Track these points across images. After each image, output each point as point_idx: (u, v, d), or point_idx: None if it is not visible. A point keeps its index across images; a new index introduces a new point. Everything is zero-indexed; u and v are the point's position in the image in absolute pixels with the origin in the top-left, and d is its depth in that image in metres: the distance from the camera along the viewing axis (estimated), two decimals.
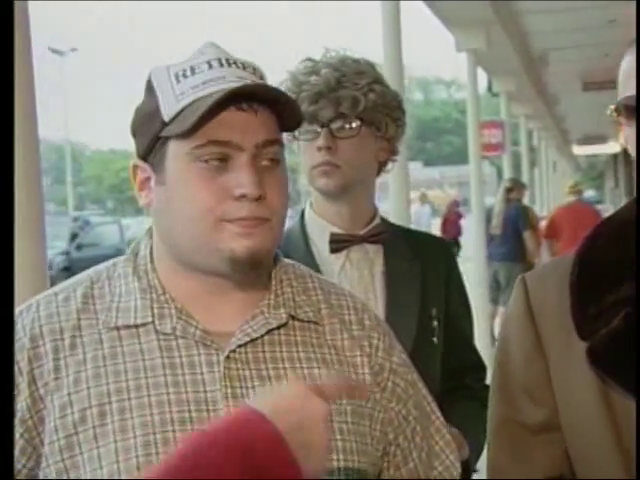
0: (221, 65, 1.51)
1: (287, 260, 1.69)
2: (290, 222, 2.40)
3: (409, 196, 6.46)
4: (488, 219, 11.27)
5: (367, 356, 1.62)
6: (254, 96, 1.48)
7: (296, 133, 2.29)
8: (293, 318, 1.58)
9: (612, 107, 1.60)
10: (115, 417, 1.46)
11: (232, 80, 1.49)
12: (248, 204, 1.47)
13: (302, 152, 2.36)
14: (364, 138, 2.34)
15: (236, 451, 1.18)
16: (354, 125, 2.32)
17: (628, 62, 1.57)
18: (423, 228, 13.11)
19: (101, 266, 1.63)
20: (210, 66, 1.51)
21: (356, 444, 1.55)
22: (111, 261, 1.63)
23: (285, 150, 1.59)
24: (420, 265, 2.41)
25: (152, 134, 1.53)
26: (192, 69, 1.51)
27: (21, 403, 1.49)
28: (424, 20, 13.78)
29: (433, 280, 2.43)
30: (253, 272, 1.52)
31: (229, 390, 1.49)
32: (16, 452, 1.48)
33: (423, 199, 22.70)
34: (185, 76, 1.51)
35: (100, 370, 1.49)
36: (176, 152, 1.51)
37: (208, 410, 1.47)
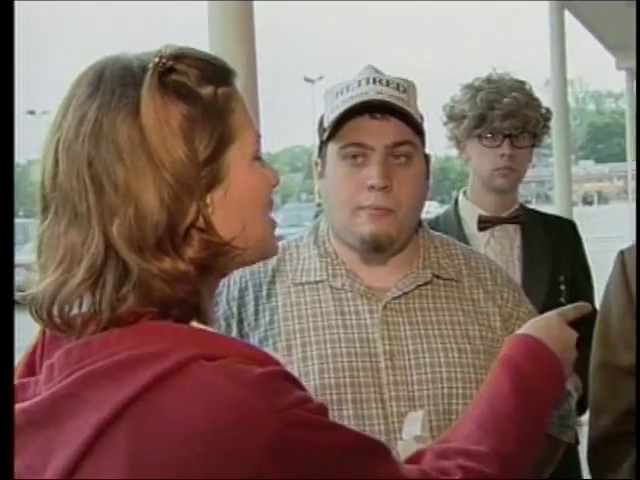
0: (367, 83, 1.52)
1: (436, 232, 1.69)
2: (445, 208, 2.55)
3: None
4: None
5: (498, 307, 1.59)
6: (385, 107, 1.48)
7: (484, 141, 2.36)
8: (438, 277, 1.57)
9: None
10: (299, 350, 1.50)
11: (371, 95, 1.49)
12: (375, 194, 1.48)
13: (480, 155, 2.38)
14: (530, 148, 2.43)
15: (541, 372, 1.20)
16: (529, 138, 2.39)
17: None
18: None
19: (292, 237, 1.67)
20: (359, 84, 1.52)
21: (481, 376, 1.50)
22: (299, 234, 1.67)
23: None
24: (551, 241, 2.42)
25: (320, 138, 1.57)
26: (347, 87, 1.53)
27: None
28: None
29: (561, 253, 2.42)
30: (380, 252, 1.52)
31: (385, 332, 1.50)
32: None
33: None
34: (342, 93, 1.53)
35: (288, 314, 1.53)
36: (330, 152, 1.54)
37: (369, 347, 1.49)
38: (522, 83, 2.40)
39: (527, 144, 2.38)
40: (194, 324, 0.98)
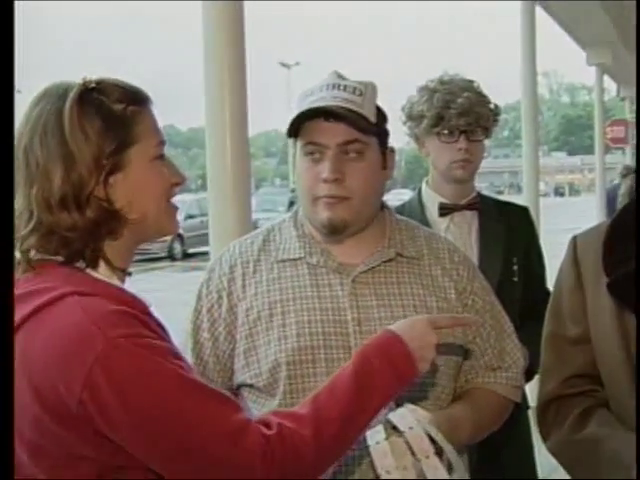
0: (327, 89, 1.74)
1: (402, 217, 1.93)
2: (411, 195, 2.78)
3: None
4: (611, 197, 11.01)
5: (454, 282, 1.82)
6: (334, 112, 1.70)
7: (442, 138, 2.57)
8: (401, 255, 1.80)
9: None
10: (279, 317, 1.73)
11: (327, 100, 1.71)
12: (329, 185, 1.71)
13: (438, 150, 2.60)
14: (483, 141, 2.65)
15: (386, 361, 1.46)
16: (482, 132, 2.62)
17: None
18: None
19: (277, 220, 1.91)
20: (320, 89, 1.75)
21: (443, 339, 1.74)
22: (283, 217, 1.91)
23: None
24: (506, 225, 2.63)
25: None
26: (312, 92, 1.76)
27: (223, 307, 1.78)
28: None
29: (515, 237, 2.63)
30: (337, 235, 1.75)
31: (354, 302, 1.73)
32: (221, 340, 1.77)
33: None
34: (307, 96, 1.76)
35: (270, 287, 1.77)
36: (298, 148, 1.78)
37: (340, 315, 1.72)
38: (471, 82, 2.62)
39: (481, 138, 2.61)
40: (96, 274, 1.36)
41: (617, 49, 10.72)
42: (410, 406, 1.59)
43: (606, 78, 13.11)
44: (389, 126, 1.83)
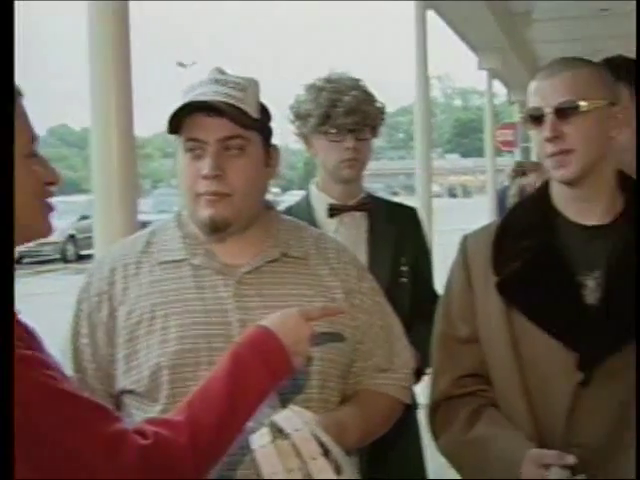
0: (208, 83, 1.70)
1: (289, 217, 1.90)
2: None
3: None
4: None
5: (341, 281, 1.80)
6: (214, 106, 1.66)
7: (329, 137, 2.54)
8: (287, 255, 1.77)
9: (521, 116, 1.78)
10: (160, 320, 1.68)
11: (208, 95, 1.67)
12: (210, 181, 1.67)
13: (326, 149, 2.57)
14: (370, 140, 2.63)
15: (260, 358, 1.45)
16: (369, 131, 2.60)
17: (534, 83, 1.73)
18: None
19: (161, 221, 1.85)
20: (201, 84, 1.71)
21: (329, 341, 1.72)
22: (168, 217, 1.85)
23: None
24: (394, 226, 2.63)
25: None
26: (193, 87, 1.72)
27: (103, 312, 1.72)
28: None
29: (404, 237, 2.64)
30: (219, 233, 1.71)
31: (238, 303, 1.69)
32: (101, 345, 1.70)
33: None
34: (188, 91, 1.71)
35: (152, 289, 1.71)
36: (180, 144, 1.72)
37: (224, 317, 1.68)
38: (358, 81, 2.61)
39: (368, 136, 2.58)
40: None
41: (507, 55, 10.98)
42: (296, 408, 1.56)
43: (497, 83, 13.45)
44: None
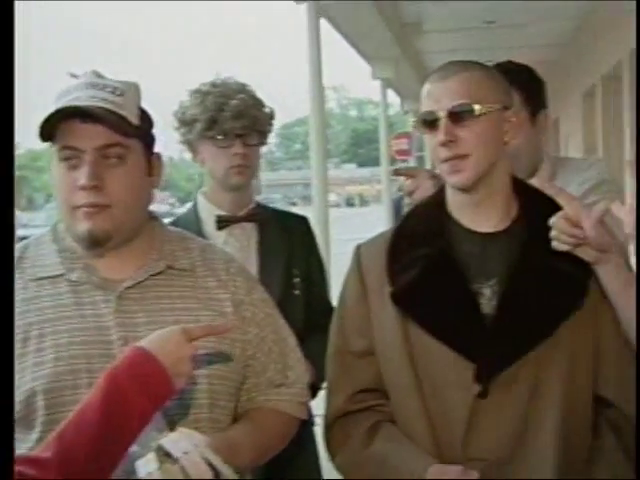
0: (84, 88, 1.59)
1: (174, 228, 1.80)
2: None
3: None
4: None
5: (230, 293, 1.71)
6: (90, 111, 1.55)
7: (217, 143, 2.44)
8: (172, 268, 1.67)
9: (414, 120, 1.72)
10: (35, 340, 1.56)
11: (83, 100, 1.56)
12: (87, 192, 1.56)
13: (214, 156, 2.46)
14: (259, 146, 2.53)
15: (137, 382, 1.36)
16: (258, 136, 2.50)
17: (427, 85, 1.68)
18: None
19: (37, 234, 1.73)
20: (77, 88, 1.60)
21: (217, 358, 1.64)
22: (44, 230, 1.72)
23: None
24: (286, 237, 2.54)
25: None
26: (68, 91, 1.60)
27: None
28: None
29: (296, 248, 2.55)
30: (99, 247, 1.60)
31: (119, 320, 1.59)
32: None
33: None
34: (62, 96, 1.59)
35: (26, 308, 1.59)
36: (54, 153, 1.60)
37: (104, 335, 1.57)
38: (245, 85, 2.52)
39: (257, 142, 2.48)
40: None
41: (400, 65, 11.12)
42: (185, 430, 1.47)
43: (391, 93, 13.61)
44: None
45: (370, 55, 10.84)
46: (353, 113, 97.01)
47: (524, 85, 2.22)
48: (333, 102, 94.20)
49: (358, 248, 1.81)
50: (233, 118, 2.41)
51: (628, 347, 1.62)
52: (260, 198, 2.77)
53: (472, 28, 10.17)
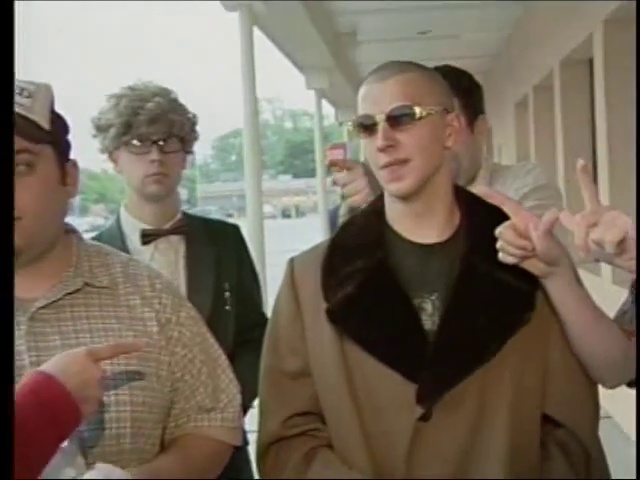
0: None
1: (95, 242, 1.67)
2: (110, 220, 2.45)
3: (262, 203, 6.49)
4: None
5: (155, 312, 1.58)
6: None
7: (132, 149, 2.27)
8: (90, 285, 1.54)
9: (350, 124, 1.59)
10: None
11: None
12: None
13: (130, 164, 2.31)
14: (180, 153, 2.36)
15: (40, 408, 1.25)
16: (178, 143, 2.33)
17: (364, 87, 1.58)
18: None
19: None
20: None
21: (141, 382, 1.51)
22: None
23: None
24: (215, 248, 2.39)
25: None
26: None
27: None
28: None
29: (226, 259, 2.41)
30: (20, 260, 1.47)
31: (32, 344, 1.46)
32: None
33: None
34: None
35: None
36: None
37: (17, 360, 1.43)
38: (166, 89, 2.36)
39: (176, 149, 2.32)
40: None
41: (334, 75, 11.07)
42: (103, 465, 1.34)
43: (327, 105, 13.54)
44: None
45: (304, 65, 10.77)
46: (288, 124, 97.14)
47: (463, 89, 2.14)
48: (268, 113, 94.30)
49: (291, 261, 1.69)
50: (148, 122, 2.26)
51: (579, 365, 1.54)
52: (196, 210, 2.62)
53: (406, 38, 10.18)
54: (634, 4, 5.17)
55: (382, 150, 1.51)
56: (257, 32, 7.46)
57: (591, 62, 6.59)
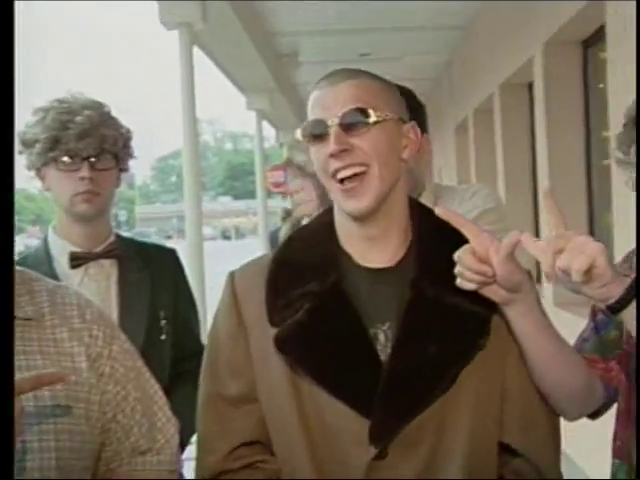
0: None
1: (18, 268, 1.50)
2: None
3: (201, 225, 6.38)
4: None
5: (85, 346, 1.45)
6: None
7: (60, 165, 2.13)
8: (14, 317, 1.40)
9: (299, 132, 1.47)
10: None
11: None
12: None
13: (58, 181, 2.15)
14: (113, 171, 2.22)
15: None
16: (111, 159, 2.19)
17: (315, 93, 1.46)
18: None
19: None
20: None
21: (68, 425, 1.38)
22: None
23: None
24: (150, 274, 2.25)
25: None
26: None
27: None
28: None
29: (162, 285, 2.26)
30: None
31: None
32: None
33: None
34: None
35: None
36: None
37: None
38: (97, 102, 2.21)
39: (109, 166, 2.17)
40: None
41: (275, 96, 11.02)
42: None
43: (268, 128, 13.48)
44: None
45: (245, 86, 10.71)
46: (229, 146, 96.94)
47: (409, 107, 2.06)
48: (209, 135, 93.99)
49: (232, 274, 1.55)
50: (78, 137, 2.10)
51: (537, 391, 1.46)
52: (135, 232, 2.47)
53: (347, 60, 10.16)
54: (574, 28, 5.22)
55: (334, 156, 1.40)
56: (198, 52, 7.36)
57: (531, 86, 6.64)
